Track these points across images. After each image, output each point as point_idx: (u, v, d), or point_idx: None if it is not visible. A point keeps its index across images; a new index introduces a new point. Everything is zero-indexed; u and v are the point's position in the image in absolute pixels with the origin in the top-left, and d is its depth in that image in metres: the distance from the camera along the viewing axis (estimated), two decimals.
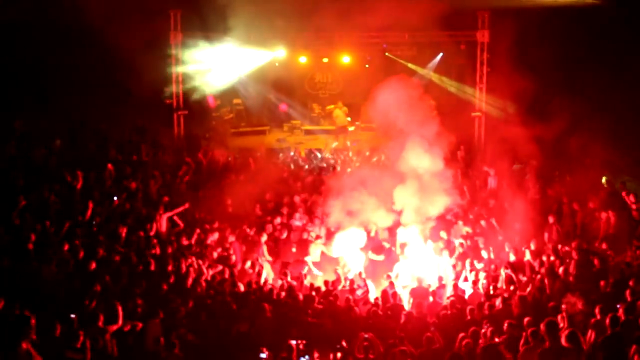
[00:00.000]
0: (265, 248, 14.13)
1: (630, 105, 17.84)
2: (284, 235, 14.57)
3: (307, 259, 14.16)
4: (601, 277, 11.29)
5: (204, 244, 13.56)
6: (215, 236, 13.95)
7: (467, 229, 14.64)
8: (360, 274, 13.42)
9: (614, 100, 17.89)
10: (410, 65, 22.82)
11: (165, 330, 9.52)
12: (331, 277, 12.99)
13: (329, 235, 14.69)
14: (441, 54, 22.39)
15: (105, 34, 17.11)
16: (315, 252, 14.31)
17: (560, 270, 11.68)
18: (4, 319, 8.20)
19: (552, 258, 12.41)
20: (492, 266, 12.80)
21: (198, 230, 13.91)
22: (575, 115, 17.16)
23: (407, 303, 12.05)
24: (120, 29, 17.28)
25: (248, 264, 13.38)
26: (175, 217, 14.27)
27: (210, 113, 22.65)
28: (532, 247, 13.08)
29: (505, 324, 9.26)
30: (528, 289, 11.01)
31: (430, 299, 11.90)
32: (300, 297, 11.13)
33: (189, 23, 20.17)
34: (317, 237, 14.54)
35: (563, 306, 9.80)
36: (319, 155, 20.58)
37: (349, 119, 23.03)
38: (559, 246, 13.06)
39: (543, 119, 17.79)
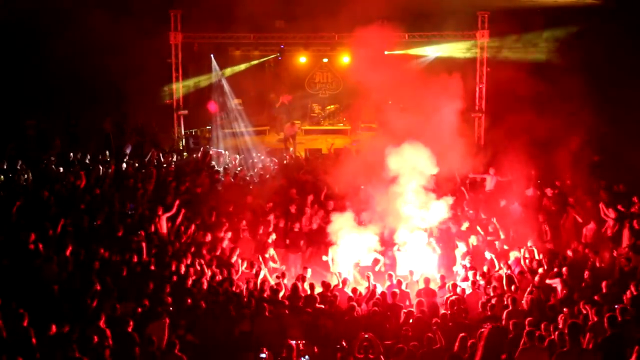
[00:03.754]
0: None
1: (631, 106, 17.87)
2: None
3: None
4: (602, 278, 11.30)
5: (205, 244, 13.53)
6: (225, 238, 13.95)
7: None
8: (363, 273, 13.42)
9: (614, 99, 17.89)
10: (410, 51, 22.59)
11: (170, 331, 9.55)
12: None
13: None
14: (439, 53, 22.38)
15: (106, 34, 17.16)
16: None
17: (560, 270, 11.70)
18: None
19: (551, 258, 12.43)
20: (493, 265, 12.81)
21: (193, 228, 13.87)
22: (575, 115, 17.17)
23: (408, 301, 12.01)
24: (121, 29, 17.34)
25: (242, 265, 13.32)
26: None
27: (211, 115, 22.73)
28: (532, 247, 13.09)
29: (510, 324, 9.28)
30: (528, 289, 11.02)
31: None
32: (302, 297, 11.14)
33: (189, 23, 20.20)
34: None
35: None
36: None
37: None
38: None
39: (543, 118, 17.79)
